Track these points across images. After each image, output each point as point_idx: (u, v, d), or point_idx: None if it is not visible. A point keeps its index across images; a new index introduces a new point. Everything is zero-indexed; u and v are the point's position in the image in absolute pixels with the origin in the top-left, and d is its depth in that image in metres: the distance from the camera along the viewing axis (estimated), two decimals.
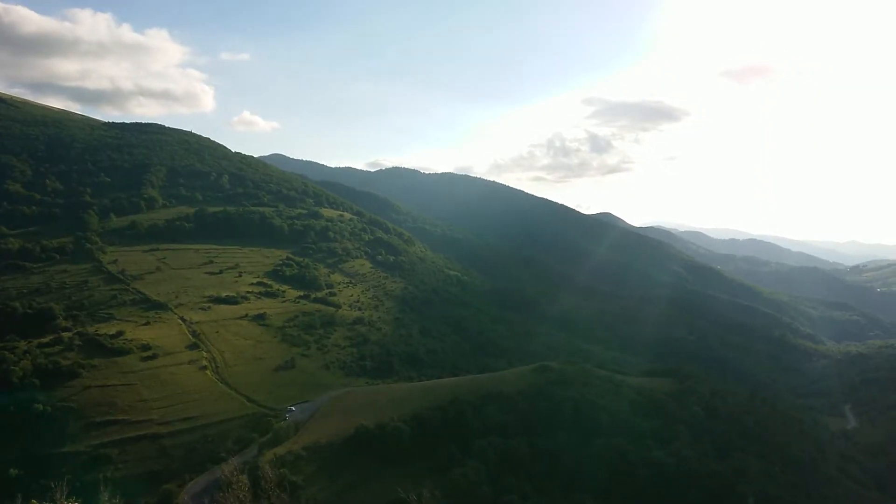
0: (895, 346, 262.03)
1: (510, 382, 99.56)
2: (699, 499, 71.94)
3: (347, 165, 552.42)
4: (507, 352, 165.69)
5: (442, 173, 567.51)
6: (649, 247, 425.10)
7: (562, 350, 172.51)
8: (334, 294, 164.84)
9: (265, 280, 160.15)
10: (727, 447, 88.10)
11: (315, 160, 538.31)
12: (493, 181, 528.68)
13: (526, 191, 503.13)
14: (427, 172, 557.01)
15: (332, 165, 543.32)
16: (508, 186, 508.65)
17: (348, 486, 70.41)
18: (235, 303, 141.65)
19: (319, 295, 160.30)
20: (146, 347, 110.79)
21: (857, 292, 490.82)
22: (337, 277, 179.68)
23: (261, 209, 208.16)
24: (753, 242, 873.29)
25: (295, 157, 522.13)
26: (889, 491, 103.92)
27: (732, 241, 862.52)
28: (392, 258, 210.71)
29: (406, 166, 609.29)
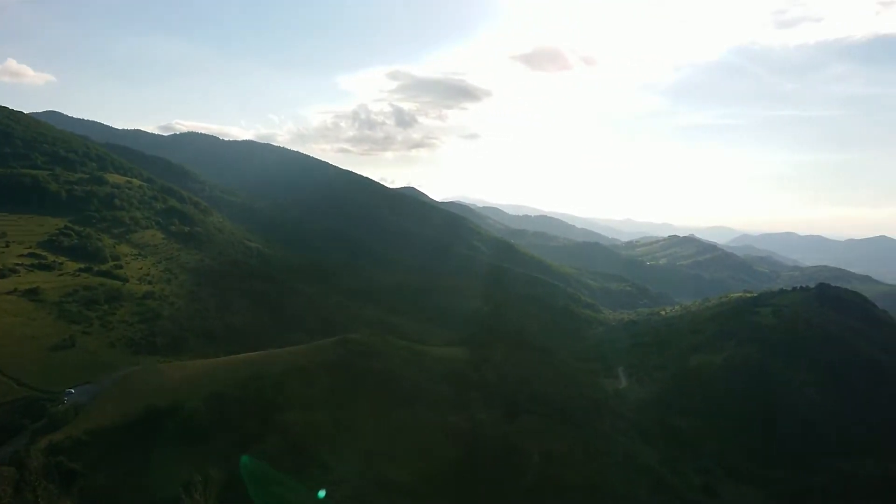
0: (660, 314, 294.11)
1: (313, 356, 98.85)
2: (491, 458, 76.42)
3: (136, 128, 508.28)
4: (310, 325, 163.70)
5: (243, 141, 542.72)
6: (450, 221, 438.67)
7: (365, 322, 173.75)
8: (121, 267, 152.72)
9: (38, 251, 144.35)
10: (517, 409, 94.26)
11: (99, 120, 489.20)
12: (298, 151, 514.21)
13: (331, 162, 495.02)
14: (227, 139, 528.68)
15: (119, 127, 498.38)
16: (313, 157, 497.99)
17: (136, 470, 66.17)
18: (2, 276, 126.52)
19: (104, 268, 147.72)
20: None
21: (630, 265, 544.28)
22: (124, 249, 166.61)
23: (33, 172, 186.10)
24: (544, 218, 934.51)
25: (75, 116, 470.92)
26: (653, 442, 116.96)
27: (525, 217, 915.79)
28: (187, 229, 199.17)
29: (203, 132, 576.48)
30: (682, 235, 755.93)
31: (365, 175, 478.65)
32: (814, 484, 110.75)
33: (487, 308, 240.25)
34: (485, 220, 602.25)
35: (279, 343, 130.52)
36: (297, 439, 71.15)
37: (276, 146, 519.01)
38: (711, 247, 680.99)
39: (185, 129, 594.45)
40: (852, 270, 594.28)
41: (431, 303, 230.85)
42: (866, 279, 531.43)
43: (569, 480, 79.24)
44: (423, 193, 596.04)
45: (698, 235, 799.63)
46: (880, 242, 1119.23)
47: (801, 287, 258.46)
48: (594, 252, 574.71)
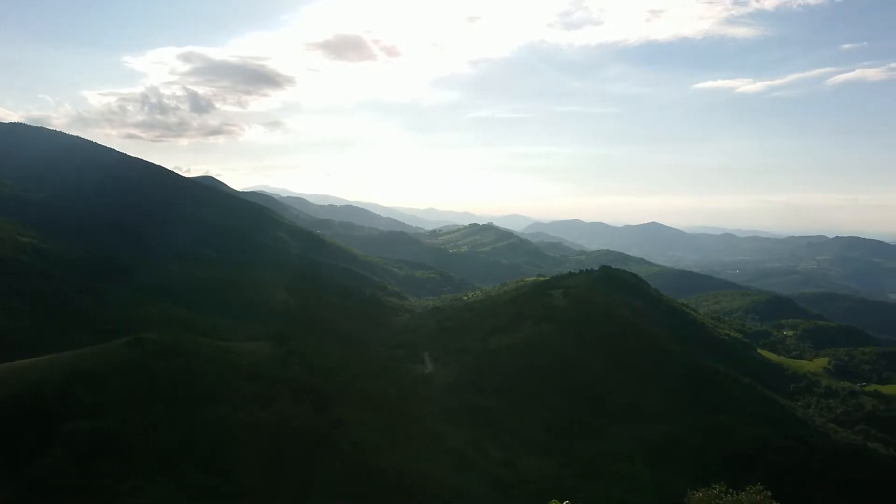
0: (463, 299, 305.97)
1: (102, 358, 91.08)
2: (299, 453, 75.27)
3: None
4: (98, 326, 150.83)
5: (10, 123, 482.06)
6: (253, 211, 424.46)
7: (162, 320, 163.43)
8: None
9: None
10: (325, 401, 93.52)
11: None
12: (79, 136, 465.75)
13: (118, 149, 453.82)
14: None
15: None
16: (97, 143, 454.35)
17: None
18: None
19: None
20: None
21: (434, 253, 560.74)
22: None
23: None
24: (349, 208, 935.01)
25: None
26: (458, 423, 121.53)
27: (331, 206, 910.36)
28: None
29: None
30: (481, 224, 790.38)
31: (158, 163, 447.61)
32: (602, 449, 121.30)
33: (294, 300, 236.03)
34: (289, 211, 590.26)
35: (62, 347, 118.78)
36: (85, 450, 65.34)
37: (52, 130, 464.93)
38: (508, 234, 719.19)
39: None
40: (629, 253, 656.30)
41: (235, 297, 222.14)
42: (641, 261, 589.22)
43: (378, 467, 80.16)
44: (222, 183, 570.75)
45: (496, 223, 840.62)
46: (652, 228, 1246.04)
47: (587, 270, 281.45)
48: (399, 241, 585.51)
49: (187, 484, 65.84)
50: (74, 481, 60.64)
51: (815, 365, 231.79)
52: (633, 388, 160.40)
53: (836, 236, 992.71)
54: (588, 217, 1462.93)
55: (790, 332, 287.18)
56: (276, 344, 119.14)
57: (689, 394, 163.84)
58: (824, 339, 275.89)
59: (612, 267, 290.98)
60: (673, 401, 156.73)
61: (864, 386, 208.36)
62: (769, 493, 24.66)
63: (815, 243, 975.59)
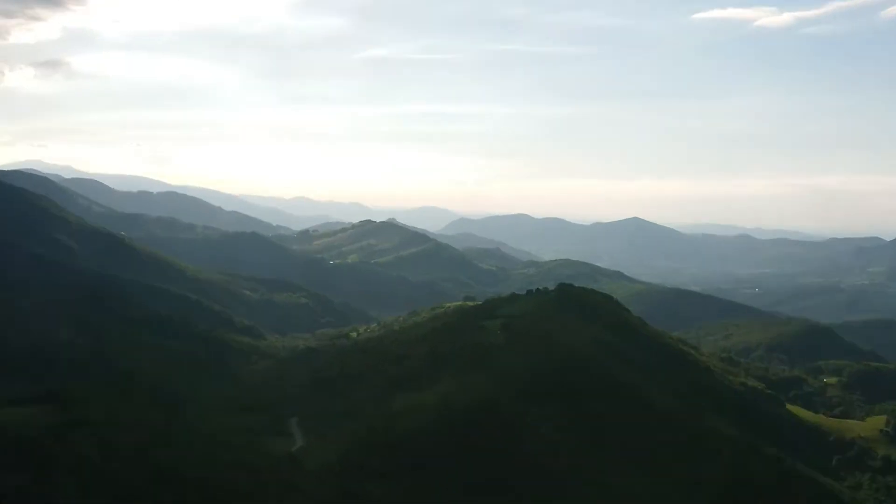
0: (349, 336, 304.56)
1: None
2: None
3: None
4: None
5: None
6: (17, 203, 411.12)
7: None
8: None
9: None
10: (130, 497, 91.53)
11: None
12: None
13: None
14: None
15: None
16: None
17: None
18: None
19: None
20: None
21: (306, 266, 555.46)
22: None
23: None
24: (173, 197, 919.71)
25: None
26: None
27: (143, 193, 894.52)
28: None
29: None
30: (378, 221, 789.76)
31: None
32: None
33: (83, 341, 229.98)
34: (76, 201, 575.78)
35: None
36: None
37: None
38: (420, 236, 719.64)
39: None
40: (601, 265, 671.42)
41: None
42: (618, 275, 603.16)
43: None
44: None
45: (401, 220, 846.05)
46: (633, 226, 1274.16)
47: (539, 289, 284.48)
48: (252, 246, 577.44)
49: None
50: None
51: (868, 427, 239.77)
52: (601, 467, 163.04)
53: None
54: (540, 211, 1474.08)
55: (832, 379, 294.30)
56: (52, 409, 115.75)
57: (688, 471, 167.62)
58: (880, 389, 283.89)
59: (575, 285, 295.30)
60: (662, 482, 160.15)
61: None
62: None
63: (867, 248, 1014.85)
